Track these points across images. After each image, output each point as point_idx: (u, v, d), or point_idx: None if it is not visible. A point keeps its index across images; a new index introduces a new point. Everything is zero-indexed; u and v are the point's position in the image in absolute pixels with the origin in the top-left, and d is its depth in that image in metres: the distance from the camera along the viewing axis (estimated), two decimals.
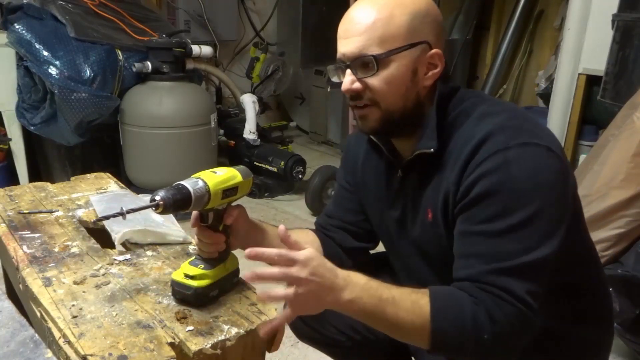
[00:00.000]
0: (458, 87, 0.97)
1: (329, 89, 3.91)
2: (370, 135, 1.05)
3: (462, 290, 0.85)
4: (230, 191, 0.93)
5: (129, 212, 0.83)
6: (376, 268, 1.21)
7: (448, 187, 0.90)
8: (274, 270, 0.81)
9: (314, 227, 1.22)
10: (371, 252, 1.25)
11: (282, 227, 0.85)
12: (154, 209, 0.83)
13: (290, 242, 0.83)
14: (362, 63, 0.91)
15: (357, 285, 0.84)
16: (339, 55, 0.94)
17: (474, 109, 0.92)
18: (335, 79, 1.00)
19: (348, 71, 0.93)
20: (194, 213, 0.93)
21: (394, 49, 0.89)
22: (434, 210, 0.94)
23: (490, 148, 0.85)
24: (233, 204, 0.98)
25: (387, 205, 1.07)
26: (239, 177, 0.95)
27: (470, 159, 0.87)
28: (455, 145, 0.91)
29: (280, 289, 0.83)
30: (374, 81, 0.91)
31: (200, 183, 0.87)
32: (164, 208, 0.83)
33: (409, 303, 0.84)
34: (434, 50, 0.92)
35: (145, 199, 0.86)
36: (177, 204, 0.84)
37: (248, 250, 0.81)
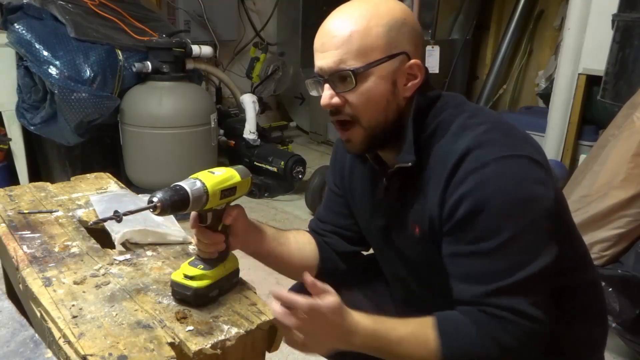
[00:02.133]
0: (438, 96, 0.95)
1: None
2: (358, 155, 1.04)
3: (466, 316, 0.85)
4: (228, 191, 0.93)
5: (125, 214, 0.82)
6: (370, 272, 1.21)
7: (432, 208, 0.89)
8: (301, 301, 0.81)
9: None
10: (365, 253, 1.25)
11: (307, 275, 0.83)
12: (151, 210, 0.83)
13: (318, 289, 0.83)
14: (340, 77, 0.89)
15: (366, 332, 0.85)
16: (316, 69, 0.92)
17: (452, 121, 0.90)
18: (314, 93, 0.98)
19: (326, 85, 0.91)
20: (193, 213, 0.93)
21: (372, 62, 0.87)
22: (421, 227, 0.94)
23: (468, 166, 0.84)
24: (232, 203, 0.98)
25: (372, 213, 1.06)
26: (237, 177, 0.95)
27: (450, 178, 0.86)
28: (435, 161, 0.90)
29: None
30: (353, 96, 0.89)
31: (198, 184, 0.87)
32: (161, 209, 0.82)
33: (418, 342, 0.85)
34: (413, 61, 0.90)
35: (144, 199, 0.86)
36: (175, 205, 0.84)
37: (275, 292, 0.83)
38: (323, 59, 0.90)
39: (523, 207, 0.81)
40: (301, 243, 1.13)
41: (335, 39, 0.88)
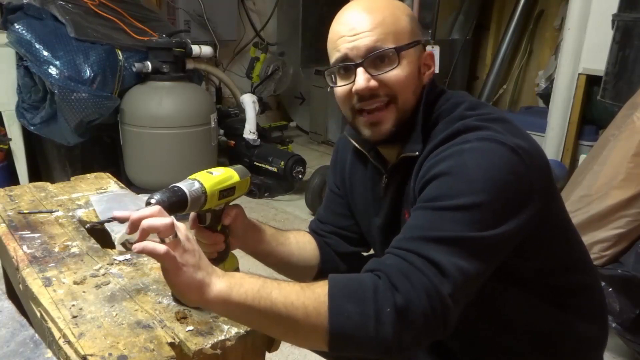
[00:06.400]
0: (443, 90, 0.97)
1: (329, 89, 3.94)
2: (381, 142, 0.97)
3: (373, 264, 0.79)
4: (227, 191, 0.92)
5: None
6: None
7: (416, 184, 0.88)
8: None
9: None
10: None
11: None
12: None
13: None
14: (378, 58, 0.89)
15: (234, 276, 0.77)
16: (340, 56, 0.91)
17: (452, 111, 0.91)
18: (333, 84, 0.95)
19: (360, 70, 0.89)
20: (192, 214, 0.93)
21: (406, 43, 0.90)
22: (408, 210, 0.92)
23: (451, 144, 0.85)
24: (231, 203, 0.98)
25: (372, 213, 1.06)
26: (236, 177, 0.94)
27: (432, 151, 0.87)
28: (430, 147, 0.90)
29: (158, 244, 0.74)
30: (392, 76, 0.90)
31: (196, 184, 0.87)
32: None
33: (298, 287, 0.76)
34: (427, 51, 0.96)
35: (144, 198, 0.86)
36: (173, 206, 0.83)
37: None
38: (355, 42, 0.89)
39: (488, 186, 0.79)
40: (301, 243, 1.13)
41: (368, 21, 0.90)
